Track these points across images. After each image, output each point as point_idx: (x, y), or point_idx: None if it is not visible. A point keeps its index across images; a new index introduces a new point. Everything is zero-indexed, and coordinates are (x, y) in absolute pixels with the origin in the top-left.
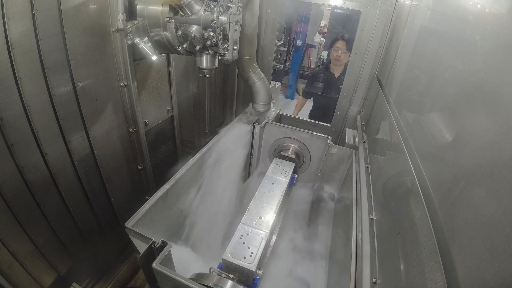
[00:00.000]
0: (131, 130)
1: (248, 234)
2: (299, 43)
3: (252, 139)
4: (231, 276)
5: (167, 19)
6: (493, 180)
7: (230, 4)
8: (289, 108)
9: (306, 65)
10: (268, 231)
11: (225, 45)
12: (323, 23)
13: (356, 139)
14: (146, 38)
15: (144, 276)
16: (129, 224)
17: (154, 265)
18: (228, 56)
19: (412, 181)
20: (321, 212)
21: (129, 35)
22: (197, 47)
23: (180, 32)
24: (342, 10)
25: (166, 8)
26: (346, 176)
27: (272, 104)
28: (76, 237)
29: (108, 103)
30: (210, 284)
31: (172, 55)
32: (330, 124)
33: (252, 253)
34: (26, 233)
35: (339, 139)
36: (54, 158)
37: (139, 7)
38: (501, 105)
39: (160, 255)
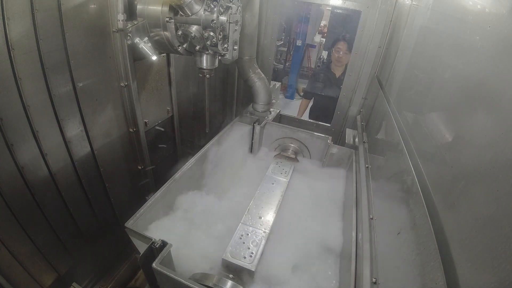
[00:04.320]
0: (131, 130)
1: (248, 234)
2: (299, 43)
3: (252, 139)
4: (231, 276)
5: (167, 19)
6: (493, 180)
7: (230, 4)
8: (289, 108)
9: (306, 65)
10: (268, 231)
11: (225, 45)
12: (323, 23)
13: (356, 139)
14: (146, 38)
15: (144, 276)
16: (129, 224)
17: (154, 265)
18: (228, 56)
19: (412, 181)
20: None
21: (129, 35)
22: (197, 47)
23: (180, 32)
24: (342, 10)
25: (166, 8)
26: (346, 176)
27: (272, 104)
28: (76, 237)
29: (108, 103)
30: (210, 284)
31: (172, 55)
32: (330, 124)
33: (252, 253)
34: (26, 233)
35: (339, 139)
36: (54, 158)
37: (139, 7)
38: (501, 105)
39: (160, 255)
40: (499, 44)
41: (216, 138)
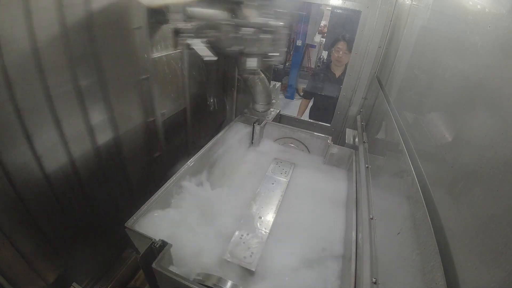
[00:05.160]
0: (149, 120)
1: (248, 234)
2: (299, 43)
3: (252, 139)
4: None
5: (224, 22)
6: (493, 180)
7: (283, 11)
8: (289, 108)
9: (306, 65)
10: (268, 231)
11: (277, 47)
12: (323, 23)
13: (356, 139)
14: (201, 39)
15: (144, 276)
16: (129, 224)
17: (154, 265)
18: (277, 58)
19: (412, 181)
20: None
21: (187, 35)
22: (248, 49)
23: (234, 35)
24: (342, 10)
25: (224, 12)
26: (347, 176)
27: (272, 104)
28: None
29: (130, 94)
30: (210, 284)
31: (186, 52)
32: (330, 124)
33: (252, 253)
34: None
35: (339, 139)
36: (75, 145)
37: (196, 10)
38: (501, 105)
39: (160, 255)
40: (499, 44)
41: (216, 138)
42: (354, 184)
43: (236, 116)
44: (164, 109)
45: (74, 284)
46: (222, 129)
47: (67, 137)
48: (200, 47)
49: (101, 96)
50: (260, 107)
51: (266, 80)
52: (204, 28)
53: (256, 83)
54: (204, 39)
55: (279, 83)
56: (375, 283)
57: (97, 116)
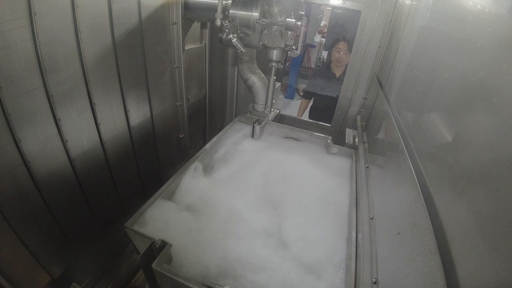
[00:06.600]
0: (177, 103)
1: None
2: None
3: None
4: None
5: (258, 21)
6: (493, 180)
7: (303, 13)
8: (289, 108)
9: (306, 65)
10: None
11: (297, 42)
12: (323, 23)
13: (356, 139)
14: (235, 34)
15: (144, 276)
16: (129, 224)
17: (154, 265)
18: (297, 51)
19: (412, 181)
20: None
21: (225, 31)
22: (277, 43)
23: (265, 31)
24: (342, 10)
25: (257, 14)
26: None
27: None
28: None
29: (164, 79)
30: (210, 284)
31: (208, 47)
32: (330, 124)
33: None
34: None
35: (339, 139)
36: (107, 128)
37: (231, 11)
38: (501, 105)
39: (160, 255)
40: (499, 44)
41: (216, 138)
42: (354, 184)
43: (236, 116)
44: (189, 95)
45: (74, 284)
46: (222, 129)
47: (99, 118)
48: (234, 40)
49: (141, 80)
50: (260, 107)
51: (266, 80)
52: (239, 26)
53: (256, 83)
54: (239, 35)
55: (279, 83)
56: (375, 283)
57: (134, 98)
